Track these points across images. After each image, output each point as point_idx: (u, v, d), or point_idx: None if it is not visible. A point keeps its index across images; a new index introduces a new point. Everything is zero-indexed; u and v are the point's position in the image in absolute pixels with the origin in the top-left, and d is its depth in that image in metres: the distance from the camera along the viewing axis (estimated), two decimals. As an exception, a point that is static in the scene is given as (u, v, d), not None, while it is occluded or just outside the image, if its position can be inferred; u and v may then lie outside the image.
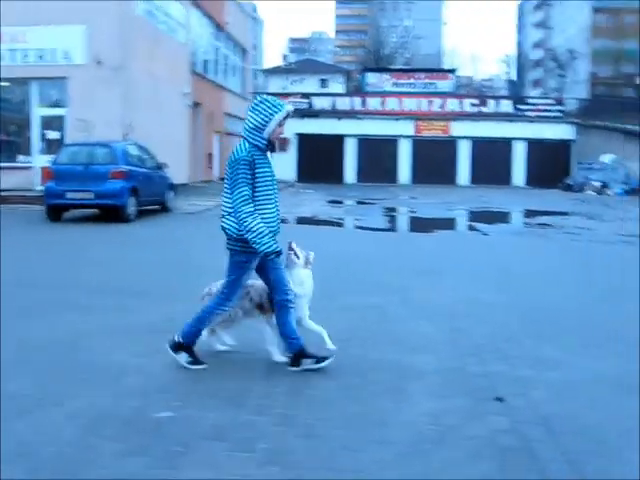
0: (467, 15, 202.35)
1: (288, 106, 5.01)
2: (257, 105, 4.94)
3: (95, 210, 17.08)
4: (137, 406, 4.35)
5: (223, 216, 5.02)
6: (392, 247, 13.04)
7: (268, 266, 5.01)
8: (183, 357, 5.11)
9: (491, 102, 46.59)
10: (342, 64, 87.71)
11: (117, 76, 22.71)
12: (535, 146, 44.16)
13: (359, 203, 26.76)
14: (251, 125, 4.92)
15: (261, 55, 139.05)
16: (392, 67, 61.47)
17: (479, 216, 21.86)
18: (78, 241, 13.13)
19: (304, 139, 43.33)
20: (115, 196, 15.81)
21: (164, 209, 18.71)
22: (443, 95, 46.07)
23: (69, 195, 15.91)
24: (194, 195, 24.45)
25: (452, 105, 45.24)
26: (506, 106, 45.85)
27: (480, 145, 44.17)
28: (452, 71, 52.41)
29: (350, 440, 3.87)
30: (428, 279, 9.32)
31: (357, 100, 45.70)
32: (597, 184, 35.94)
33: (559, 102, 48.49)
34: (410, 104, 45.08)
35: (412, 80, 47.73)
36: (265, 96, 5.13)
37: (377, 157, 43.99)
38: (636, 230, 16.97)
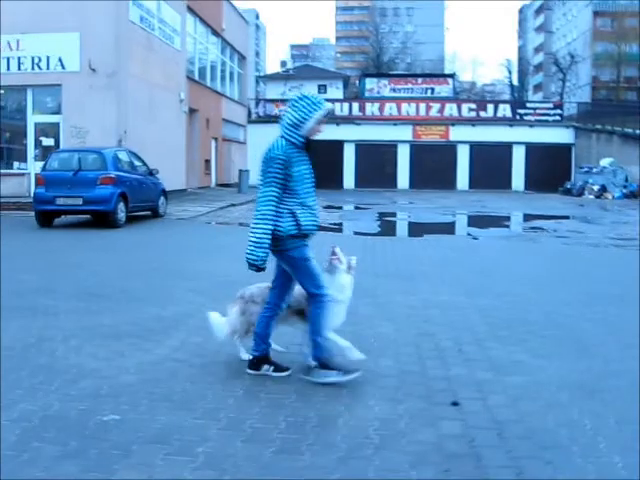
0: (469, 20, 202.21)
1: (328, 104, 4.85)
2: (297, 102, 4.78)
3: (87, 216, 17.08)
4: (85, 409, 4.32)
5: None
6: (378, 251, 12.97)
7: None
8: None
9: (490, 107, 46.59)
10: (343, 70, 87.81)
11: (111, 83, 22.72)
12: (534, 150, 44.10)
13: (356, 208, 26.73)
14: (289, 122, 4.75)
15: (264, 61, 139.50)
16: (390, 72, 61.52)
17: (473, 220, 21.83)
18: (63, 246, 13.09)
19: (303, 145, 43.05)
20: (104, 202, 15.82)
21: (155, 215, 18.70)
22: (441, 100, 46.07)
23: (58, 201, 15.95)
24: (188, 201, 24.46)
25: (450, 110, 45.23)
26: (505, 110, 45.84)
27: (479, 150, 44.10)
28: (450, 76, 52.45)
29: (293, 444, 3.82)
30: (405, 283, 9.26)
31: (355, 105, 45.67)
32: (596, 188, 35.85)
33: (558, 106, 48.44)
34: (408, 109, 45.08)
35: (410, 85, 47.78)
36: (306, 93, 5.00)
37: (376, 162, 43.95)
38: (629, 233, 16.91)
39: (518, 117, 45.14)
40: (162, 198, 19.11)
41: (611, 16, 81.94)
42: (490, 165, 43.55)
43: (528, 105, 49.10)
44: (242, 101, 42.63)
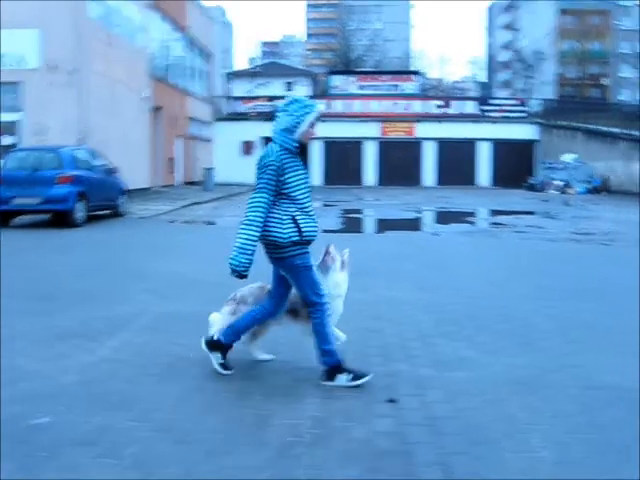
0: (436, 18, 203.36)
1: (320, 106, 4.77)
2: (287, 105, 4.65)
3: (46, 216, 16.88)
4: (18, 412, 4.25)
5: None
6: (338, 248, 12.96)
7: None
8: (343, 379, 4.79)
9: (455, 103, 46.89)
10: (313, 67, 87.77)
11: (72, 80, 22.49)
12: (500, 146, 44.45)
13: (324, 205, 26.71)
14: (282, 127, 4.63)
15: (232, 59, 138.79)
16: (357, 70, 61.55)
17: (435, 217, 21.92)
18: (19, 247, 12.90)
19: (269, 142, 42.83)
20: (62, 201, 15.64)
21: (116, 214, 18.53)
22: (408, 97, 46.20)
23: (16, 201, 15.73)
24: (151, 200, 24.27)
25: (416, 107, 45.40)
26: (470, 107, 46.14)
27: (445, 146, 44.35)
28: (416, 73, 52.56)
29: (223, 445, 3.79)
30: (360, 279, 9.18)
31: (322, 103, 45.57)
32: (559, 183, 36.23)
33: (522, 103, 48.89)
34: (375, 106, 45.17)
35: (377, 82, 47.82)
36: (296, 95, 4.88)
37: (343, 159, 44.00)
38: (588, 228, 17.11)
39: (483, 114, 45.45)
40: (123, 197, 18.94)
41: (576, 14, 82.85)
42: (456, 161, 43.82)
43: (493, 102, 49.48)
44: (208, 99, 42.40)
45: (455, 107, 46.00)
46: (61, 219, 16.03)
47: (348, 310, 7.15)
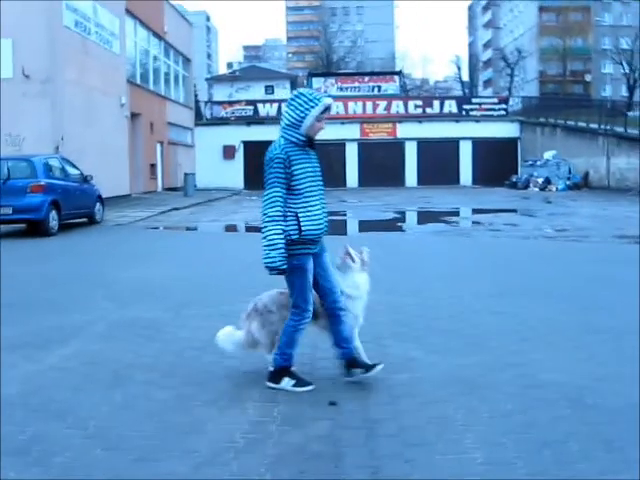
0: (418, 18, 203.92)
1: (326, 99, 4.64)
2: (293, 100, 4.59)
3: (21, 225, 16.80)
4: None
5: None
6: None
7: (316, 272, 4.78)
8: (288, 383, 4.75)
9: (436, 103, 47.01)
10: (295, 70, 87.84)
11: (46, 89, 22.45)
12: (481, 145, 44.60)
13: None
14: (287, 121, 4.58)
15: (216, 63, 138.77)
16: (337, 72, 61.63)
17: (412, 217, 21.96)
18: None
19: (250, 146, 43.03)
20: (34, 210, 15.56)
21: (92, 222, 18.46)
22: (388, 98, 46.31)
23: (-13, 211, 15.64)
24: (130, 206, 24.22)
25: (397, 107, 45.53)
26: (451, 107, 46.27)
27: (426, 146, 44.45)
28: (397, 73, 52.72)
29: (153, 451, 3.77)
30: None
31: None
32: (540, 180, 36.38)
33: (503, 101, 49.08)
34: (356, 108, 45.26)
35: (357, 84, 47.93)
36: (302, 90, 4.80)
37: (324, 162, 43.13)
38: (563, 225, 17.17)
39: (464, 113, 45.60)
40: (98, 204, 18.87)
41: (556, 11, 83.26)
42: (438, 161, 43.91)
43: (474, 100, 49.71)
44: (188, 104, 42.33)
45: (437, 107, 46.10)
46: (35, 228, 15.95)
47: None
